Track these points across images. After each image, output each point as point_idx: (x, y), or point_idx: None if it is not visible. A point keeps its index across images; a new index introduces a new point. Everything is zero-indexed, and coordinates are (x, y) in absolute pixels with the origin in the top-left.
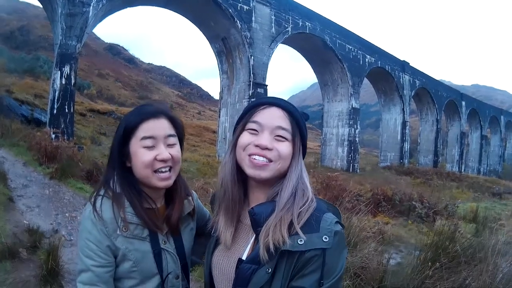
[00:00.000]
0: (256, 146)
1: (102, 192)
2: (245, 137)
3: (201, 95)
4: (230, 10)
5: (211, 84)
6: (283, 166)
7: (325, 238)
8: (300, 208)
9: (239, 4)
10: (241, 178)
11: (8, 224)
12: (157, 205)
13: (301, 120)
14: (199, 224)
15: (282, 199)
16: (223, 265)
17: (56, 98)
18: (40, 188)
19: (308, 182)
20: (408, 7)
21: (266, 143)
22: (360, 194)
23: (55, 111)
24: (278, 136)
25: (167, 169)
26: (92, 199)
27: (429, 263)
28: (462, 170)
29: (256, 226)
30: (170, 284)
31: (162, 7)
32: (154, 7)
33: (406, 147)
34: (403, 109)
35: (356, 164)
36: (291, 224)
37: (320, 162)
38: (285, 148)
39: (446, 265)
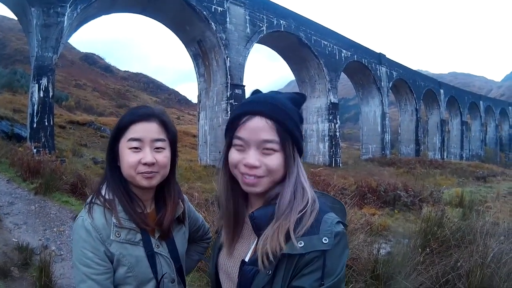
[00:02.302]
0: (245, 165)
1: (93, 200)
2: (234, 155)
3: (179, 100)
4: (204, 12)
5: (191, 88)
6: (276, 177)
7: (324, 239)
8: (299, 213)
9: (213, 6)
10: (238, 187)
11: None
12: (147, 209)
13: (290, 122)
14: (192, 228)
15: (281, 207)
16: (227, 265)
17: (35, 111)
18: (26, 204)
19: (306, 182)
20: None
21: (252, 162)
22: (345, 187)
23: (35, 125)
24: (265, 149)
25: (150, 174)
26: (85, 208)
27: (419, 250)
28: (445, 157)
29: (257, 229)
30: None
31: (138, 13)
32: (130, 13)
33: (387, 138)
34: (381, 101)
35: (338, 159)
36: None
37: (302, 159)
38: (273, 161)
39: (436, 250)
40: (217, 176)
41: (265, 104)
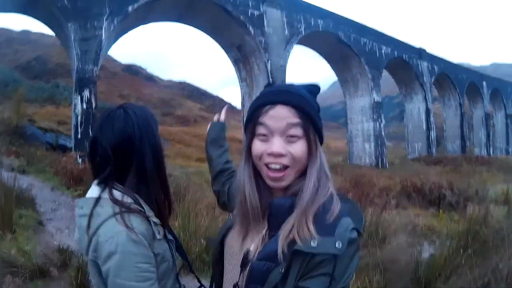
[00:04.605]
0: (270, 154)
1: (122, 210)
2: (257, 146)
3: (223, 106)
4: (241, 17)
5: (233, 92)
6: (299, 167)
7: (338, 244)
8: (323, 198)
9: (250, 10)
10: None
11: (38, 245)
12: None
13: (310, 109)
14: None
15: (304, 196)
16: (234, 248)
17: (79, 122)
18: (69, 210)
19: (328, 171)
20: None
21: (278, 150)
22: (390, 188)
23: (79, 136)
24: (289, 136)
25: None
26: (118, 221)
27: (461, 251)
28: (491, 153)
29: (274, 218)
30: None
31: (175, 21)
32: (167, 22)
33: (432, 136)
34: (425, 96)
35: (384, 159)
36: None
37: (348, 160)
38: (298, 148)
39: (477, 250)
40: (238, 168)
41: (285, 94)
